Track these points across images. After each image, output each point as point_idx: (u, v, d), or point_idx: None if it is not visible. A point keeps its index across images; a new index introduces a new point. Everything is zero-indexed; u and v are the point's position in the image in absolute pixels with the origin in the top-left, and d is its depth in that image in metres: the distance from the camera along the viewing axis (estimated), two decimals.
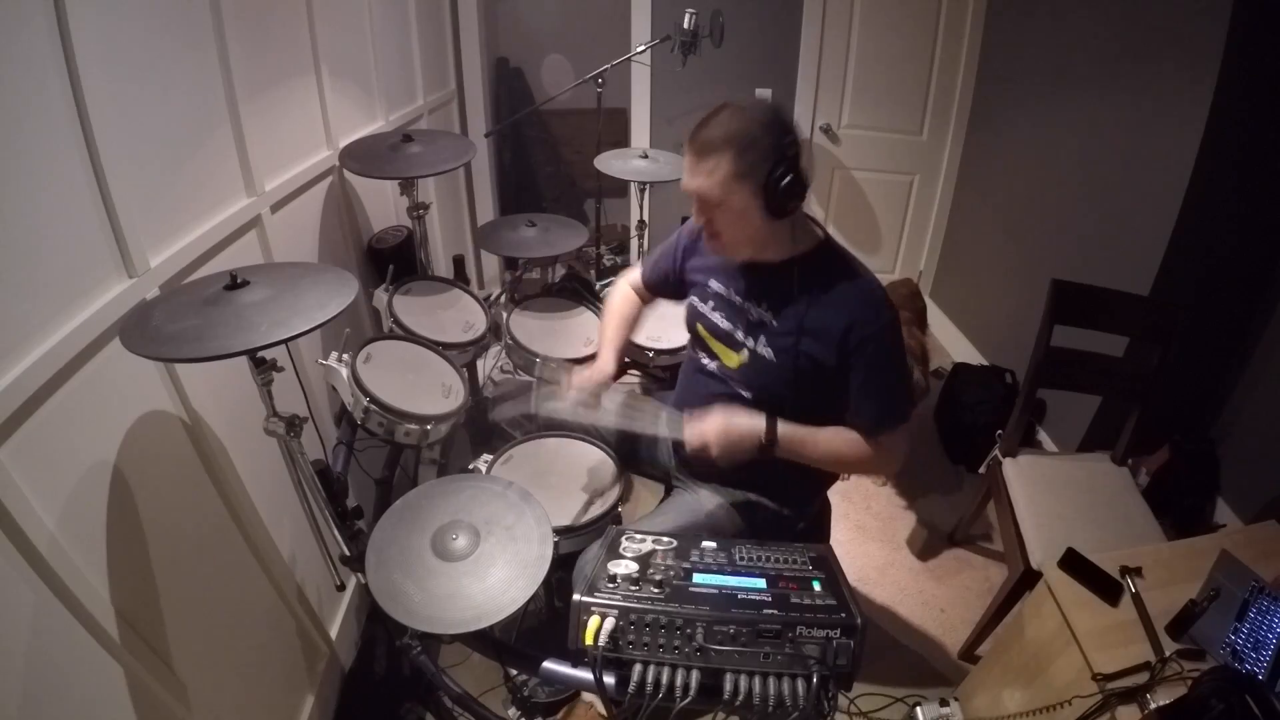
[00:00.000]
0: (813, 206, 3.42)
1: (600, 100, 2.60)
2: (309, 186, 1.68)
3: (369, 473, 1.63)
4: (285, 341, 0.90)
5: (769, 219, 1.12)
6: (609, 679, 0.93)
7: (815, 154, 3.30)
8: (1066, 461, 1.90)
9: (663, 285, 1.47)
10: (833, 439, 1.22)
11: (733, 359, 1.29)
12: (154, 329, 0.89)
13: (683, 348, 1.79)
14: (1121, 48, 2.14)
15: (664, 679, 0.90)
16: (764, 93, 3.13)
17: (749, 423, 1.20)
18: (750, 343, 1.25)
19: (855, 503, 2.38)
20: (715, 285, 1.31)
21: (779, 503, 1.34)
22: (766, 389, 1.25)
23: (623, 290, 1.55)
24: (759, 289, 1.24)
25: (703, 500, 1.35)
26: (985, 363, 2.88)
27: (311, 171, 1.67)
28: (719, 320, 1.30)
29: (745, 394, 1.28)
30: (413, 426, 1.40)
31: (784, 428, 1.20)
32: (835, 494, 1.58)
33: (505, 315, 1.91)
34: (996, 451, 1.87)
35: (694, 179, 1.13)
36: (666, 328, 1.96)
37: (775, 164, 1.07)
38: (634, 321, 1.54)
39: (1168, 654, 1.14)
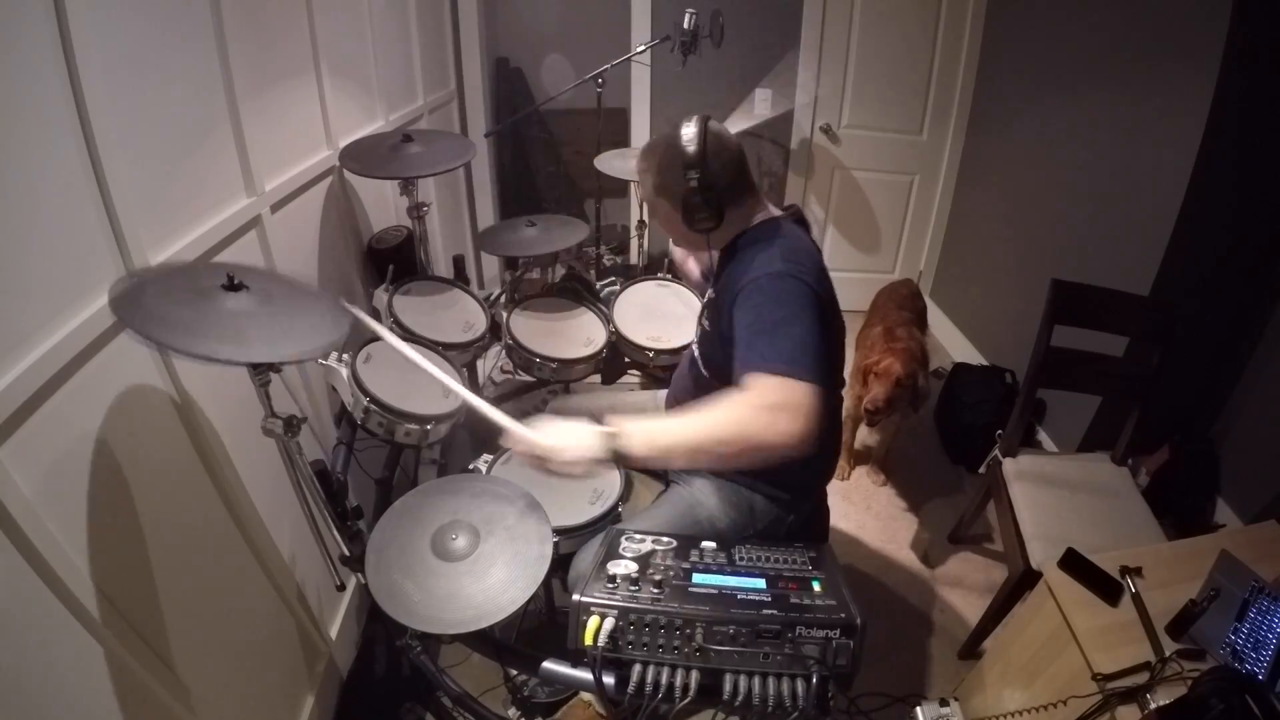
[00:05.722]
0: (813, 206, 3.42)
1: (600, 100, 2.59)
2: (309, 186, 1.68)
3: (369, 473, 1.63)
4: (271, 365, 0.89)
5: (688, 230, 1.23)
6: (609, 679, 0.93)
7: (815, 154, 3.30)
8: (1066, 461, 1.90)
9: None
10: (708, 416, 1.01)
11: (696, 334, 1.40)
12: (147, 307, 0.87)
13: (683, 347, 1.80)
14: (1121, 48, 2.14)
15: (663, 679, 0.90)
16: (764, 93, 3.13)
17: (586, 440, 1.02)
18: (703, 317, 1.35)
19: (855, 503, 2.38)
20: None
21: (772, 497, 1.35)
22: (712, 360, 1.31)
23: None
24: (717, 269, 1.33)
25: (697, 493, 1.36)
26: (985, 363, 2.88)
27: (311, 171, 1.67)
28: (701, 303, 1.42)
29: (704, 371, 1.34)
30: (413, 426, 1.40)
31: (636, 428, 1.02)
32: (835, 494, 1.59)
33: (505, 315, 1.91)
34: (996, 451, 1.87)
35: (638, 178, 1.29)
36: (666, 328, 1.95)
37: (689, 191, 1.17)
38: None
39: (1168, 654, 1.14)
